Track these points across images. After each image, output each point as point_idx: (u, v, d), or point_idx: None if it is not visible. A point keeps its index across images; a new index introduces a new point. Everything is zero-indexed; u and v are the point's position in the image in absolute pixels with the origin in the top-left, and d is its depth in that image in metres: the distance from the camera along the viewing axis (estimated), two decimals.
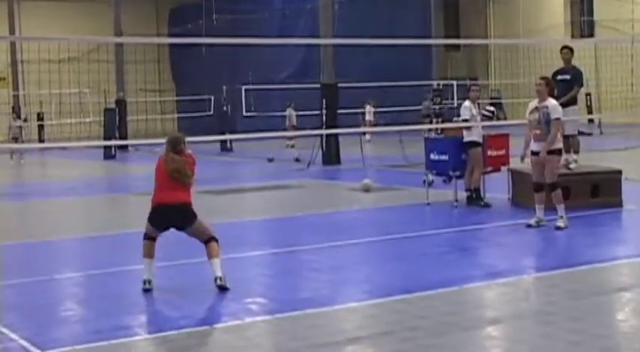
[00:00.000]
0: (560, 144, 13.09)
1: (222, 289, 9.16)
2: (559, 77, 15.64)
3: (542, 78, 13.30)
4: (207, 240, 9.52)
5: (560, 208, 12.83)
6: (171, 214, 9.54)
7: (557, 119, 12.91)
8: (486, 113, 16.72)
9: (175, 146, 9.79)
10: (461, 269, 10.32)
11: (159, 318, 8.37)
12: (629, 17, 46.31)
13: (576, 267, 10.10)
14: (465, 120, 15.68)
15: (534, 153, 13.03)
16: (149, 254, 9.62)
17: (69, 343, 7.52)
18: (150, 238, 9.67)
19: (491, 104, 39.30)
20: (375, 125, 39.93)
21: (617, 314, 8.24)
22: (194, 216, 9.55)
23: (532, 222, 12.95)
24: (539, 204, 13.03)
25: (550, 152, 12.82)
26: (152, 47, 58.81)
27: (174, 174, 9.54)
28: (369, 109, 41.56)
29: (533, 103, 13.18)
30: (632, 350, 6.87)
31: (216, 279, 9.25)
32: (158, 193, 9.63)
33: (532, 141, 13.06)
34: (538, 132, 12.91)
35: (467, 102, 15.85)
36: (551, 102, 13.02)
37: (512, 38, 50.94)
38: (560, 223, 12.73)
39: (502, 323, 7.90)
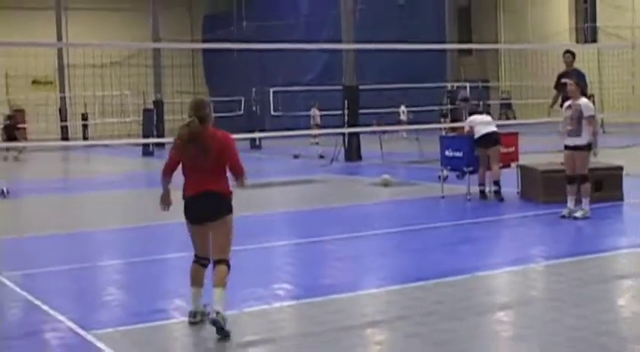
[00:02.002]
0: (587, 140, 13.03)
1: (219, 330, 6.97)
2: (564, 80, 15.58)
3: (573, 81, 13.42)
4: (220, 259, 7.28)
5: (585, 201, 12.90)
6: (200, 204, 7.26)
7: (591, 116, 12.93)
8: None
9: (198, 109, 7.25)
10: (473, 258, 10.29)
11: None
12: (630, 24, 46.03)
13: (581, 256, 10.05)
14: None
15: (567, 148, 13.05)
16: (194, 281, 7.50)
17: (111, 325, 7.55)
18: (197, 261, 7.51)
19: (501, 105, 39.10)
20: (409, 124, 39.84)
21: (618, 301, 8.18)
22: (228, 208, 7.37)
23: (565, 212, 12.90)
24: (570, 195, 12.98)
25: (579, 148, 12.84)
26: (187, 52, 59.04)
27: (186, 137, 7.20)
28: (403, 109, 41.52)
29: (568, 102, 13.23)
30: (633, 335, 6.83)
31: (209, 313, 7.12)
32: (186, 184, 7.42)
33: (565, 136, 13.08)
34: (570, 127, 12.93)
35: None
36: (584, 100, 13.09)
37: (521, 43, 50.72)
38: (578, 214, 12.79)
39: (511, 308, 7.87)
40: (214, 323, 6.92)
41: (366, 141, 28.44)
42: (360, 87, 29.56)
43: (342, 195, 18.80)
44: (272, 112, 41.12)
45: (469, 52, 53.55)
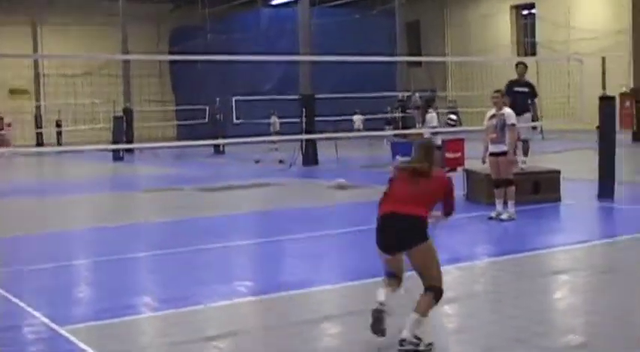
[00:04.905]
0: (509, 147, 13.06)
1: None
2: (516, 89, 15.51)
3: (498, 91, 13.23)
4: (429, 287, 6.55)
5: (511, 203, 12.90)
6: (392, 226, 6.52)
7: (513, 125, 12.92)
8: (450, 122, 16.73)
9: (428, 152, 6.65)
10: None
11: (160, 298, 8.33)
12: (565, 39, 46.65)
13: (520, 254, 10.14)
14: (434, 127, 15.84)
15: (492, 154, 13.03)
16: (387, 285, 6.72)
17: (83, 320, 7.49)
18: (389, 274, 6.78)
19: (448, 113, 39.30)
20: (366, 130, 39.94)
21: (554, 294, 8.29)
22: (422, 235, 6.44)
23: (493, 214, 12.93)
24: (498, 199, 13.04)
25: (502, 154, 12.86)
26: (155, 63, 58.81)
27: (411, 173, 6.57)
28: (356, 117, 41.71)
29: (491, 112, 13.13)
30: (567, 324, 6.92)
31: (400, 342, 6.25)
32: (382, 205, 6.68)
33: (489, 144, 13.06)
34: (494, 136, 12.89)
35: (434, 113, 16.03)
36: (507, 110, 13.00)
37: (466, 56, 51.11)
38: (504, 216, 12.79)
39: (457, 301, 7.92)
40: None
41: (322, 146, 28.49)
42: (316, 96, 29.61)
43: (299, 197, 18.80)
44: (234, 120, 41.06)
45: (418, 63, 53.84)
